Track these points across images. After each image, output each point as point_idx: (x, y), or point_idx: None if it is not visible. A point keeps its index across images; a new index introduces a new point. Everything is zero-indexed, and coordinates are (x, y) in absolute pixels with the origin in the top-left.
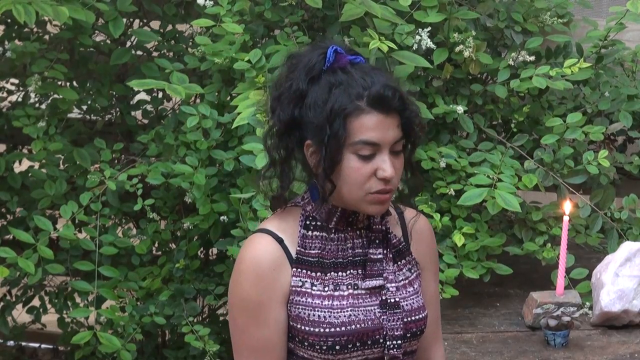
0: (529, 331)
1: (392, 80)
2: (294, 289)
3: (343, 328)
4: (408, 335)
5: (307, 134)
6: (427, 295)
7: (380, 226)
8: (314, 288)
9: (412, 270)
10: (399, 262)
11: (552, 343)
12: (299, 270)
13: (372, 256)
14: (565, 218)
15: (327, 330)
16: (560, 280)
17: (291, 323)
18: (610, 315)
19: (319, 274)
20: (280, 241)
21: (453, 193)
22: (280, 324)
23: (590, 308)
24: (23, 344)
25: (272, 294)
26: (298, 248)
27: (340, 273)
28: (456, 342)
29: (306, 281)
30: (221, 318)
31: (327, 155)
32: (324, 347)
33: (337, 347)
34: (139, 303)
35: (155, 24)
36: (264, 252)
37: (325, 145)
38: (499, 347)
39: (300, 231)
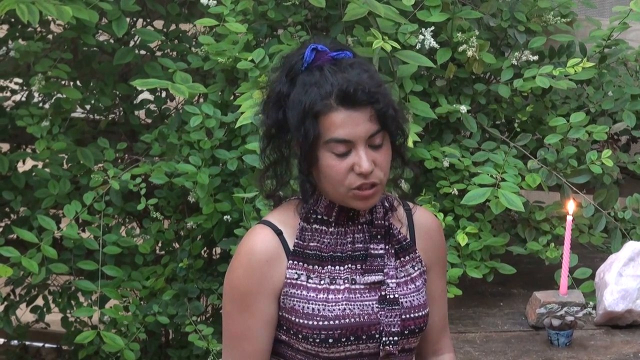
0: (533, 331)
1: (363, 74)
2: (289, 281)
3: (337, 321)
4: (406, 332)
5: (293, 134)
6: (435, 293)
7: (382, 221)
8: (309, 281)
9: (416, 268)
10: (402, 259)
11: (556, 343)
12: (295, 262)
13: (373, 251)
14: (569, 218)
15: (320, 323)
16: (564, 279)
17: (286, 315)
18: (614, 315)
19: (316, 266)
20: (279, 233)
21: (456, 193)
22: (265, 315)
23: (594, 308)
24: (27, 343)
25: (262, 285)
26: (296, 240)
27: (337, 267)
28: (459, 341)
29: (302, 274)
30: None
31: (303, 155)
32: (317, 340)
33: (330, 340)
34: (142, 302)
35: (159, 24)
36: (260, 244)
37: (301, 145)
38: (503, 347)
39: (300, 224)
